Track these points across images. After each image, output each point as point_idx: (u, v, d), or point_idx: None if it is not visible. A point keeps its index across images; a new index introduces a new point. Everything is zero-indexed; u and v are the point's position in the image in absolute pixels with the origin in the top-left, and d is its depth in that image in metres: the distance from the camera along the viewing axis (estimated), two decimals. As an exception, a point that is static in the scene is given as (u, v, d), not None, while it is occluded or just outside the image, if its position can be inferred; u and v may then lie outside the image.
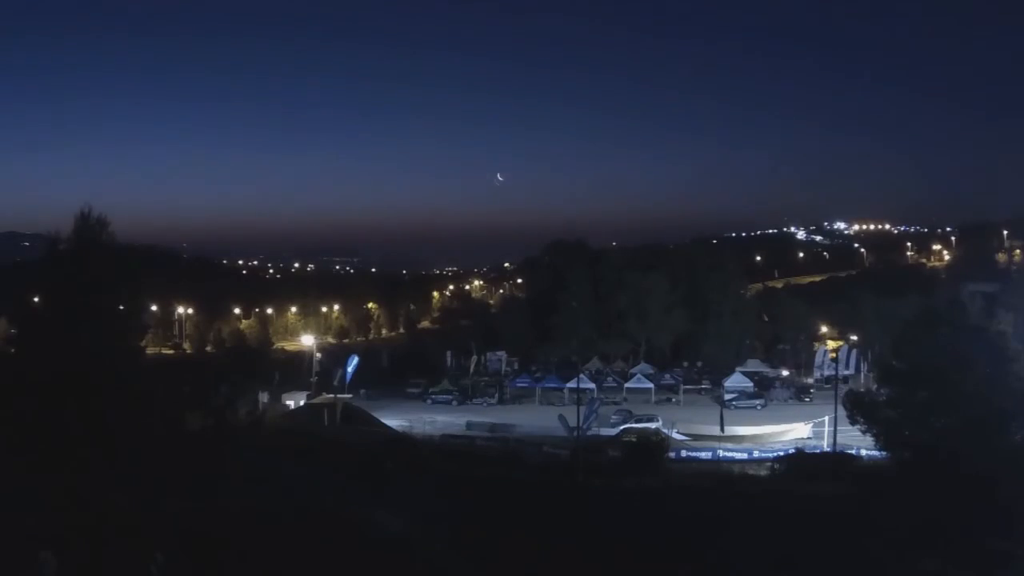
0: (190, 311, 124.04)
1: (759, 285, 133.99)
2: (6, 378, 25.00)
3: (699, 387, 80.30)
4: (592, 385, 72.73)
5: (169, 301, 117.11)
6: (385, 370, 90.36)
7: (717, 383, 77.82)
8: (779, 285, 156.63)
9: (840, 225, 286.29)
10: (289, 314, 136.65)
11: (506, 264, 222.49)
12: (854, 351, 78.33)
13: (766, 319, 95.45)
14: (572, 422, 45.36)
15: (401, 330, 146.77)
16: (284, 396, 66.72)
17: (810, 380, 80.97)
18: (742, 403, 68.55)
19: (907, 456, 34.96)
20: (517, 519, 23.16)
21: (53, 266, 34.64)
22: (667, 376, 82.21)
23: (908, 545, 11.40)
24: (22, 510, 8.02)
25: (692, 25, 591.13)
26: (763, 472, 40.39)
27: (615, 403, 68.60)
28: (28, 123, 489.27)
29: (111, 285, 35.88)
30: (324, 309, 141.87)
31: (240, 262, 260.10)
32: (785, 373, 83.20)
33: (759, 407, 57.59)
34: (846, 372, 72.15)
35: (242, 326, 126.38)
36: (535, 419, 58.03)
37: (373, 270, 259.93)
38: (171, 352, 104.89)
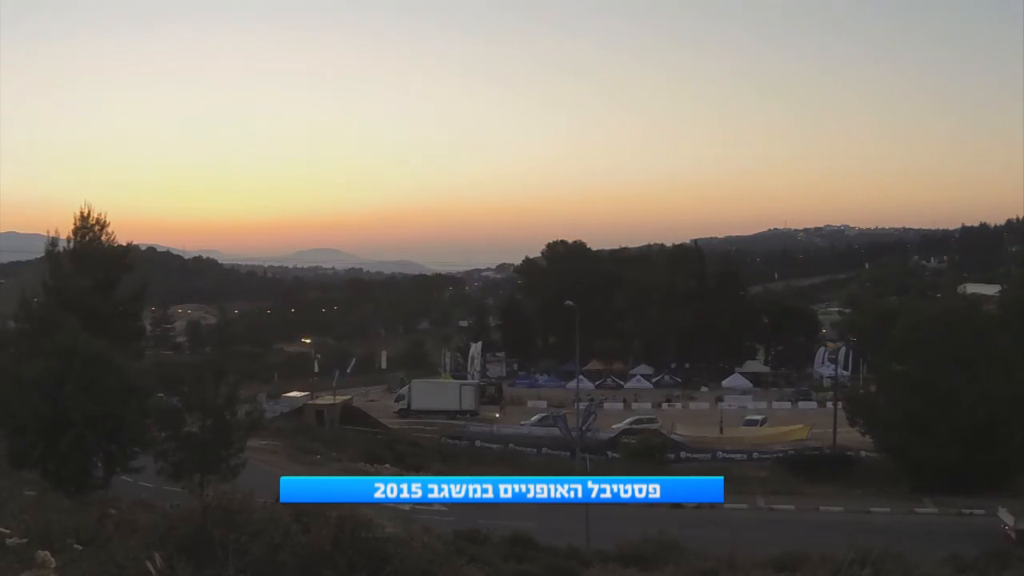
0: (190, 311, 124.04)
1: (759, 286, 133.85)
2: (6, 377, 25.01)
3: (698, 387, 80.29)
4: (592, 385, 72.65)
5: (169, 301, 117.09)
6: (384, 370, 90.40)
7: (716, 384, 77.86)
8: (779, 286, 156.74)
9: (840, 225, 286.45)
10: (288, 314, 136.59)
11: (506, 264, 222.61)
12: (851, 352, 78.15)
13: (766, 320, 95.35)
14: (570, 423, 45.23)
15: (400, 330, 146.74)
16: (283, 396, 66.62)
17: (809, 381, 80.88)
18: (737, 403, 68.59)
19: (906, 457, 35.02)
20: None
21: (52, 267, 34.74)
22: (666, 377, 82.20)
23: (908, 546, 11.42)
24: (20, 509, 8.02)
25: (690, 25, 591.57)
26: (763, 473, 40.27)
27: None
28: (27, 122, 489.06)
29: (110, 285, 35.90)
30: (323, 309, 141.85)
31: (240, 262, 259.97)
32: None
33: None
34: (845, 374, 72.05)
35: (242, 326, 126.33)
36: (534, 420, 58.01)
37: (371, 271, 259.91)
38: (170, 352, 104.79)
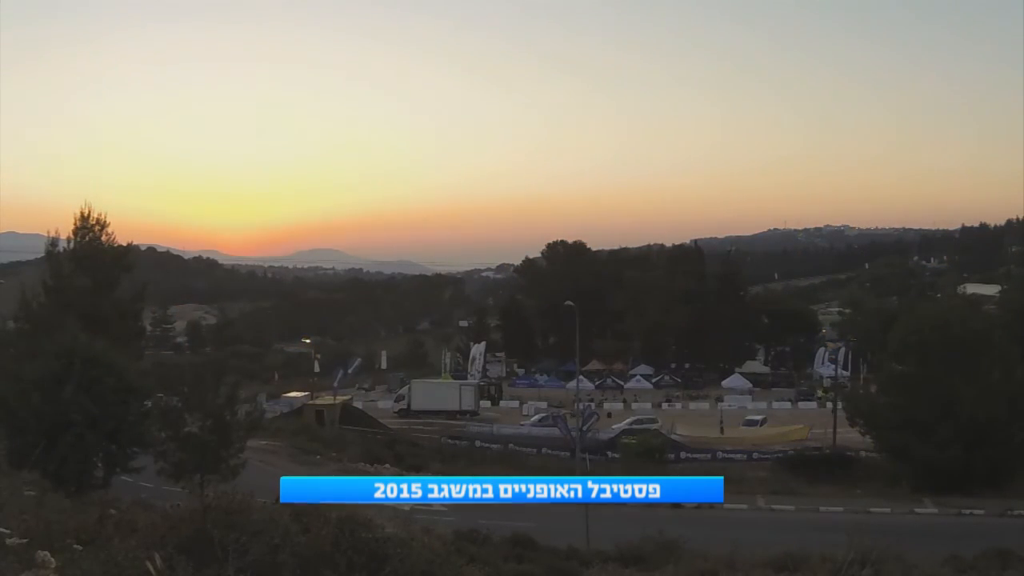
0: (190, 311, 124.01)
1: (759, 286, 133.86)
2: (6, 377, 25.01)
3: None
4: (592, 386, 72.64)
5: (169, 301, 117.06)
6: (384, 370, 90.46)
7: (716, 384, 77.78)
8: (779, 286, 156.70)
9: (840, 225, 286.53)
10: (288, 314, 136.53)
11: (506, 264, 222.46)
12: (851, 352, 78.12)
13: (766, 320, 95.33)
14: (570, 423, 45.20)
15: (400, 330, 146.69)
16: (283, 396, 66.64)
17: (809, 381, 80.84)
18: (737, 403, 68.56)
19: (907, 458, 35.02)
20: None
21: (52, 267, 34.74)
22: (666, 377, 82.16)
23: (908, 546, 11.41)
24: (20, 509, 8.03)
25: (691, 23, 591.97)
26: (763, 473, 40.28)
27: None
28: (27, 122, 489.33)
29: (110, 286, 35.88)
30: (323, 310, 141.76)
31: (240, 262, 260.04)
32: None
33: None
34: (845, 373, 72.06)
35: (242, 326, 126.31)
36: (534, 420, 58.10)
37: (371, 271, 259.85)
38: (170, 352, 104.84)
